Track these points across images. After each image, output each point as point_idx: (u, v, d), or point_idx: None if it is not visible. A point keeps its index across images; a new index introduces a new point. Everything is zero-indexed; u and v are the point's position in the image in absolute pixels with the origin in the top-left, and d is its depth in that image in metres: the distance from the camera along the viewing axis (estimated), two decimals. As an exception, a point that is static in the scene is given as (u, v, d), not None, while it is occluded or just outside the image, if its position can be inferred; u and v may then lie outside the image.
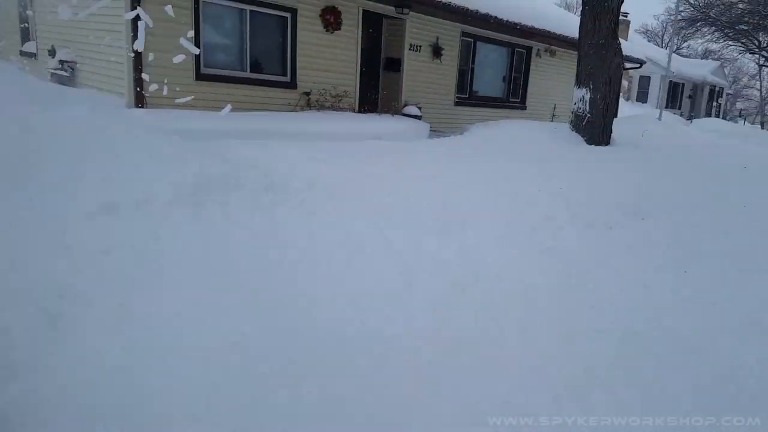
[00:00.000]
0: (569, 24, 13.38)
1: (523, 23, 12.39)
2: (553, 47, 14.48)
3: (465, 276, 3.74)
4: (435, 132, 10.53)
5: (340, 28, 9.72)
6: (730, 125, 25.46)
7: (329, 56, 9.76)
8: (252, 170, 4.46)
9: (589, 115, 8.76)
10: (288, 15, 9.08)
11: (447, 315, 3.30)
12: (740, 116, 39.59)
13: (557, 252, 4.19)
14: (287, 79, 9.33)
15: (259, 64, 9.04)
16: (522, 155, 7.06)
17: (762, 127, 31.86)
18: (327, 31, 9.58)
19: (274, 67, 9.22)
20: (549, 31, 13.27)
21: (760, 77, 50.19)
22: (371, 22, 10.86)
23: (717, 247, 4.35)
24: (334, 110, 9.75)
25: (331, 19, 9.53)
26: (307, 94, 9.50)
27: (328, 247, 3.80)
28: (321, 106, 9.61)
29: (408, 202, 4.62)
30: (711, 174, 6.85)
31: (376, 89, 11.39)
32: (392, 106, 10.95)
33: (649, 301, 3.60)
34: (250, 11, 8.63)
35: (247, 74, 8.83)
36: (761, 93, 53.75)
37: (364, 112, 10.45)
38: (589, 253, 4.19)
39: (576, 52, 9.30)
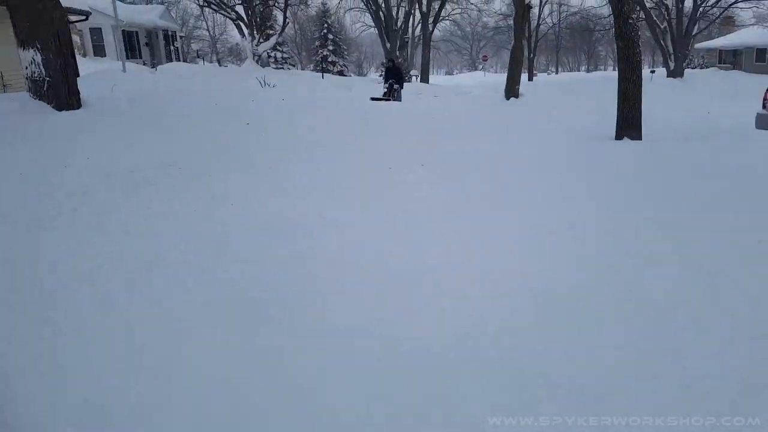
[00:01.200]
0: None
1: None
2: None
3: None
4: None
5: None
6: (193, 67, 28.92)
7: None
8: None
9: (48, 78, 8.70)
10: None
11: None
12: (198, 56, 44.87)
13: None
14: None
15: None
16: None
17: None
18: None
19: None
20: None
21: (204, 17, 57.44)
22: None
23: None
24: None
25: None
26: None
27: None
28: None
29: None
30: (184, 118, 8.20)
31: None
32: None
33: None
34: None
35: None
36: (209, 33, 61.80)
37: None
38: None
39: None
